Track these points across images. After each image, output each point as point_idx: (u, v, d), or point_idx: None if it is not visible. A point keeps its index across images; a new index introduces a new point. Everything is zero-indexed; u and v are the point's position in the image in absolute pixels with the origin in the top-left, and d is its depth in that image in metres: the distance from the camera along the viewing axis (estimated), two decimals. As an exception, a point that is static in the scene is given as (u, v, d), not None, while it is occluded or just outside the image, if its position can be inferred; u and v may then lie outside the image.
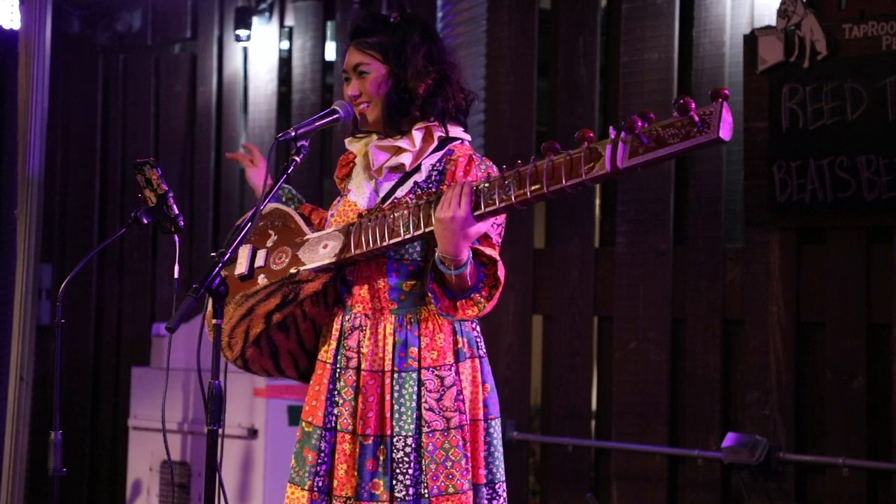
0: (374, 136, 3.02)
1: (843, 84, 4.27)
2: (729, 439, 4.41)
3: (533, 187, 2.68)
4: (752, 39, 4.46)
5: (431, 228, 2.78)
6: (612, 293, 4.89)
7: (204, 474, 3.02)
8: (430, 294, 2.83)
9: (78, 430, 6.44)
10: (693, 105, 2.48)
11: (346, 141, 3.08)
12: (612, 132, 2.61)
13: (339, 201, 3.06)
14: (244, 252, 3.04)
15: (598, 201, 5.08)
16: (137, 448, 5.47)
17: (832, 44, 4.29)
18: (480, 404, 2.95)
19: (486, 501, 2.92)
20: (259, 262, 3.01)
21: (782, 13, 4.38)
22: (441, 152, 2.98)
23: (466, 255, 2.78)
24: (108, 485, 6.44)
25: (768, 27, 4.43)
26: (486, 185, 2.75)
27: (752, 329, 4.54)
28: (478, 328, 3.01)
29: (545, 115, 5.22)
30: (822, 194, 4.31)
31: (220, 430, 2.64)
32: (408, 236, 2.82)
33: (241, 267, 3.02)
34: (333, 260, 2.90)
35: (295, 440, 3.01)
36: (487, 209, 2.74)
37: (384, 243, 2.84)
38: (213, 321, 2.69)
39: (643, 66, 4.80)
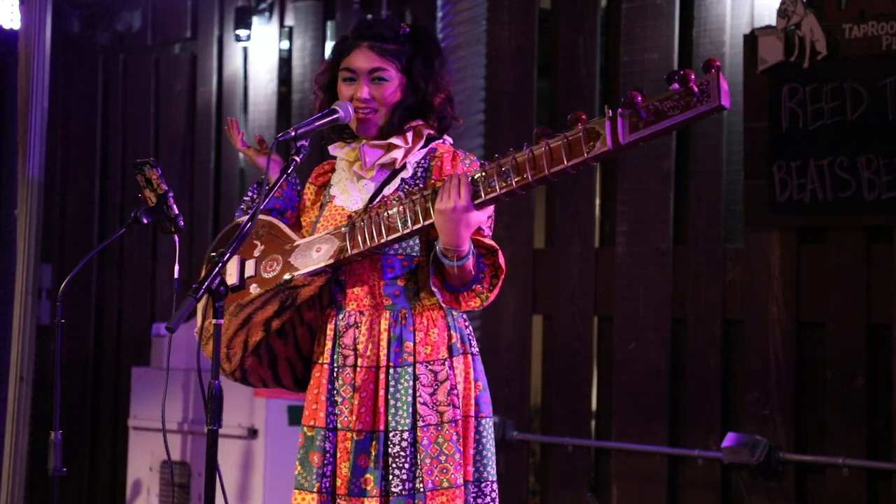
0: (363, 141, 3.03)
1: (843, 84, 4.27)
2: (729, 439, 4.41)
3: (533, 171, 2.71)
4: (752, 39, 4.46)
5: (431, 221, 2.82)
6: (612, 293, 4.89)
7: (204, 474, 3.02)
8: (433, 288, 2.87)
9: (78, 430, 6.44)
10: (693, 76, 2.54)
11: (334, 147, 3.07)
12: (607, 110, 2.65)
13: (323, 207, 3.06)
14: (232, 264, 3.02)
15: (598, 201, 5.09)
16: (137, 448, 5.47)
17: (832, 44, 4.28)
18: (472, 401, 2.96)
19: (471, 498, 2.92)
20: (249, 271, 3.01)
21: (782, 13, 4.38)
22: (425, 150, 3.03)
23: (468, 245, 2.83)
24: (108, 485, 6.44)
25: (768, 27, 4.43)
26: (483, 173, 2.79)
27: (752, 329, 4.54)
28: (470, 326, 3.03)
29: (545, 115, 5.23)
30: (822, 194, 4.31)
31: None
32: (406, 231, 2.85)
33: (232, 278, 3.01)
34: (331, 262, 2.91)
35: (298, 444, 2.99)
36: (488, 196, 2.78)
37: (382, 240, 2.86)
38: (213, 321, 2.69)
39: (643, 66, 4.80)
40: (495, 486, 2.97)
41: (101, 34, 6.66)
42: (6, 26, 5.79)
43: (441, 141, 3.07)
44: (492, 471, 2.96)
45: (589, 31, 5.00)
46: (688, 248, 4.71)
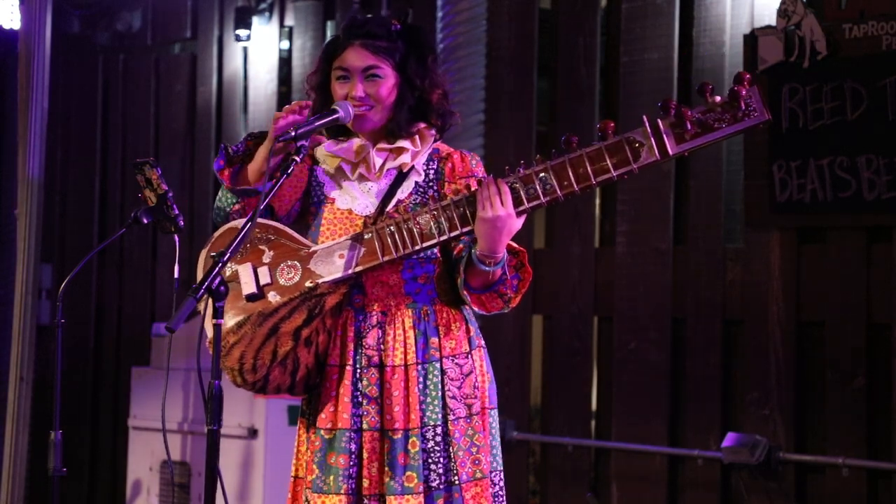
0: (356, 140, 3.01)
1: (843, 84, 4.27)
2: (729, 439, 4.41)
3: (577, 180, 2.74)
4: (752, 39, 4.46)
5: (468, 228, 2.83)
6: (612, 293, 4.89)
7: (204, 474, 3.02)
8: (463, 292, 2.90)
9: (78, 430, 6.43)
10: (744, 91, 2.64)
11: (329, 143, 3.05)
12: (645, 121, 2.70)
13: (320, 207, 3.03)
14: (246, 271, 2.96)
15: (598, 201, 5.08)
16: (137, 448, 5.47)
17: (832, 44, 4.28)
18: (487, 393, 3.00)
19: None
20: (264, 279, 2.96)
21: (782, 13, 4.38)
22: (427, 152, 3.03)
23: (504, 251, 2.86)
24: (108, 485, 6.44)
25: (768, 27, 4.43)
26: (518, 180, 2.80)
27: (752, 329, 4.54)
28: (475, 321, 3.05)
29: (545, 115, 5.22)
30: (822, 194, 4.31)
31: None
32: (443, 238, 2.85)
33: (249, 287, 2.95)
34: (359, 269, 2.89)
35: (312, 448, 2.98)
36: (532, 204, 2.80)
37: (417, 247, 2.86)
38: (213, 321, 2.68)
39: (643, 66, 4.80)
40: (503, 475, 3.02)
41: (101, 34, 6.66)
42: (6, 26, 5.79)
43: (440, 142, 3.07)
44: (500, 461, 3.01)
45: (589, 31, 5.00)
46: (688, 248, 4.71)
